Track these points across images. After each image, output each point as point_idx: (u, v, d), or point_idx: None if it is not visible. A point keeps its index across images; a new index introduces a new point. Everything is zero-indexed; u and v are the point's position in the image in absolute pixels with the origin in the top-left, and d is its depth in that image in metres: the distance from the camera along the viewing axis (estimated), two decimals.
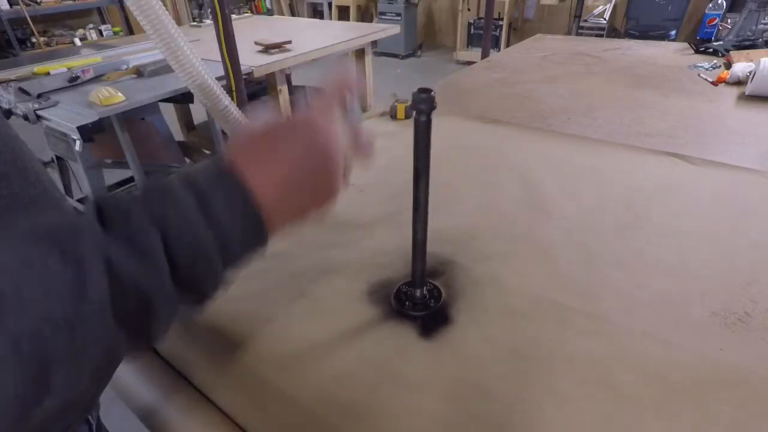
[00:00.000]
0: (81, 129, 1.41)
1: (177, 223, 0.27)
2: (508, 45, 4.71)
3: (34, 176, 0.36)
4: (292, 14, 6.04)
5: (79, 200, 2.12)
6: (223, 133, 1.78)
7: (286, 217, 0.32)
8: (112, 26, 5.46)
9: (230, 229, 0.29)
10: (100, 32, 5.33)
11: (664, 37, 3.95)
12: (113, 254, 0.24)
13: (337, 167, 0.33)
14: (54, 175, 2.10)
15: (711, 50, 1.55)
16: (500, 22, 4.74)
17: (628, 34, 4.16)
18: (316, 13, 6.15)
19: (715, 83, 1.30)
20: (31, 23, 4.57)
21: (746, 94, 1.19)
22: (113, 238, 0.25)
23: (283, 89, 2.04)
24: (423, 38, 5.79)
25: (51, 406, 0.22)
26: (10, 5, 4.53)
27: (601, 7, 4.47)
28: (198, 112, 2.43)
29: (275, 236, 0.32)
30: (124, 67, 1.85)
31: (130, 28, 5.38)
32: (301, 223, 0.33)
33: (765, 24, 1.59)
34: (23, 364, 0.21)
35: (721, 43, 1.57)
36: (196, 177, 0.29)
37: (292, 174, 0.31)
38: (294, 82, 2.80)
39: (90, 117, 1.44)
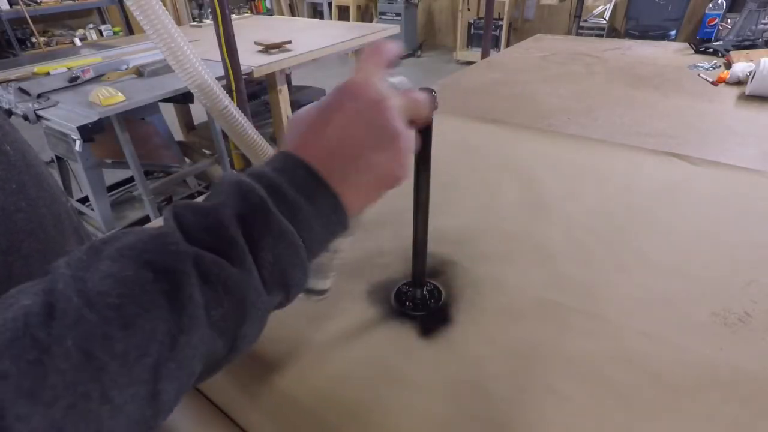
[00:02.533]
0: (81, 129, 1.41)
1: (259, 219, 0.26)
2: (508, 45, 4.71)
3: (44, 181, 0.36)
4: (292, 14, 6.03)
5: (80, 200, 2.13)
6: (223, 133, 1.78)
7: (363, 187, 0.30)
8: (112, 26, 5.46)
9: (309, 216, 0.28)
10: (100, 32, 5.33)
11: (664, 37, 3.95)
12: (202, 261, 0.24)
13: (398, 123, 0.30)
14: (54, 175, 2.10)
15: (711, 50, 1.55)
16: (500, 22, 4.74)
17: (628, 34, 4.16)
18: (316, 13, 6.14)
19: (715, 83, 1.30)
20: (31, 23, 4.57)
21: (746, 94, 1.19)
22: (199, 245, 0.24)
23: (283, 89, 2.04)
24: (423, 38, 5.79)
25: (159, 424, 0.23)
26: (10, 5, 4.54)
27: (601, 7, 4.47)
28: (198, 112, 2.43)
29: (356, 212, 0.30)
30: (124, 67, 1.85)
31: (130, 28, 5.38)
32: (382, 188, 0.31)
33: (765, 24, 1.59)
34: (139, 384, 0.21)
35: (721, 43, 1.57)
36: (263, 170, 0.28)
37: (353, 142, 0.29)
38: (294, 82, 2.80)
39: (90, 117, 1.44)
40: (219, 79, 1.55)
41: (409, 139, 0.31)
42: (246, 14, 3.67)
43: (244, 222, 0.26)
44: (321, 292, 0.40)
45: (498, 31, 4.75)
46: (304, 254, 0.28)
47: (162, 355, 0.22)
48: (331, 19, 5.56)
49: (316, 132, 0.30)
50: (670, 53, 1.64)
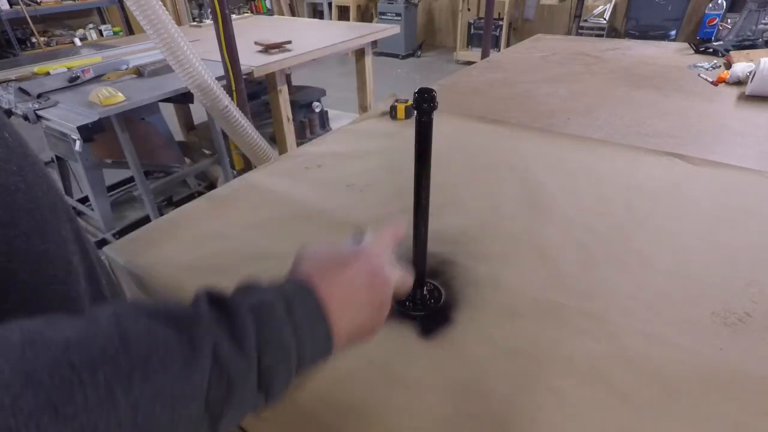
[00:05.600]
0: (81, 129, 1.41)
1: (268, 320, 0.29)
2: (508, 45, 4.71)
3: (41, 170, 0.37)
4: (292, 14, 6.03)
5: (80, 200, 2.12)
6: (223, 133, 1.78)
7: (348, 333, 0.35)
8: (112, 26, 5.46)
9: (307, 336, 0.31)
10: (100, 32, 5.33)
11: (664, 37, 3.95)
12: (218, 340, 0.26)
13: (389, 295, 0.38)
14: (54, 175, 2.10)
15: (711, 50, 1.55)
16: (500, 22, 4.74)
17: (628, 34, 4.16)
18: (316, 13, 6.14)
19: (715, 83, 1.30)
20: (31, 23, 4.57)
21: (746, 94, 1.19)
22: (219, 325, 0.27)
23: (283, 89, 2.04)
24: (423, 38, 5.79)
25: None
26: (10, 5, 4.53)
27: (601, 7, 4.47)
28: (198, 112, 2.43)
29: (337, 350, 0.34)
30: (124, 67, 1.85)
31: (130, 28, 5.38)
32: (356, 340, 0.36)
33: (765, 24, 1.59)
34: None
35: (721, 43, 1.57)
36: (282, 284, 0.33)
37: (355, 295, 0.36)
38: (294, 82, 2.80)
39: (90, 117, 1.43)
40: (219, 79, 1.54)
41: (388, 309, 0.39)
42: (246, 14, 3.67)
43: (257, 317, 0.29)
44: None
45: (498, 31, 4.74)
46: (293, 369, 0.30)
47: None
48: (331, 19, 5.56)
49: (329, 269, 0.36)
50: (670, 53, 1.64)
